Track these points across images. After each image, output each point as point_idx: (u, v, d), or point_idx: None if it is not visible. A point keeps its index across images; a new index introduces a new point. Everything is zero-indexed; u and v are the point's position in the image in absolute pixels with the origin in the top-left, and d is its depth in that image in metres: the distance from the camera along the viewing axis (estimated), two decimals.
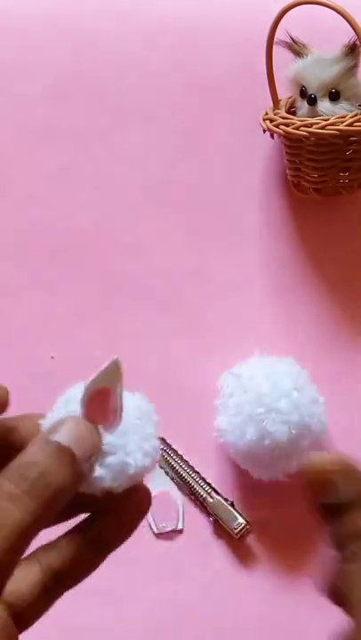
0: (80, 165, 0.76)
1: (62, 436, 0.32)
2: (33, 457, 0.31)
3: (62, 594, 0.36)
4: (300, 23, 0.69)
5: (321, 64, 0.69)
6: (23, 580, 0.34)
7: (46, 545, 0.36)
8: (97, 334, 0.75)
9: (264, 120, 0.70)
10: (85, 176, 0.76)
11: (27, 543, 0.31)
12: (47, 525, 0.33)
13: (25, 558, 0.34)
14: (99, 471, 0.35)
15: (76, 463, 0.32)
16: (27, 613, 0.34)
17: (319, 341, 0.76)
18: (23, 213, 0.76)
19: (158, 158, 0.76)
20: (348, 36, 0.67)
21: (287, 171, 0.74)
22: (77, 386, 0.38)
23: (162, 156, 0.76)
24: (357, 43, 0.67)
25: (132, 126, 0.76)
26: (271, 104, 0.72)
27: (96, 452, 0.33)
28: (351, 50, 0.68)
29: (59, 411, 0.38)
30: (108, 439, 0.37)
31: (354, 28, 0.66)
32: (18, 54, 0.76)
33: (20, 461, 0.31)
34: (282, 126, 0.68)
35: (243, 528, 0.70)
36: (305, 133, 0.67)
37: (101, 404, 0.39)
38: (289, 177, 0.74)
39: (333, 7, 0.65)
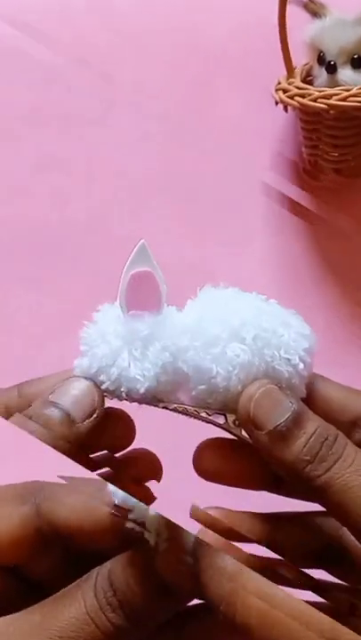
0: (71, 152, 0.76)
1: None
2: None
3: None
4: None
5: (341, 26, 0.68)
6: None
7: None
8: None
9: (277, 91, 0.69)
10: (78, 163, 0.76)
11: None
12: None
13: None
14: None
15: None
16: None
17: (330, 344, 0.75)
18: (10, 205, 0.76)
19: (156, 141, 0.75)
20: None
21: (303, 149, 0.73)
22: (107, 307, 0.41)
23: (160, 137, 0.75)
24: None
25: (127, 103, 0.75)
26: (285, 72, 0.70)
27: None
28: None
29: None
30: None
31: None
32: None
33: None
34: (297, 98, 0.67)
35: None
36: (324, 106, 0.66)
37: (142, 289, 0.41)
38: (305, 155, 0.73)
39: None
